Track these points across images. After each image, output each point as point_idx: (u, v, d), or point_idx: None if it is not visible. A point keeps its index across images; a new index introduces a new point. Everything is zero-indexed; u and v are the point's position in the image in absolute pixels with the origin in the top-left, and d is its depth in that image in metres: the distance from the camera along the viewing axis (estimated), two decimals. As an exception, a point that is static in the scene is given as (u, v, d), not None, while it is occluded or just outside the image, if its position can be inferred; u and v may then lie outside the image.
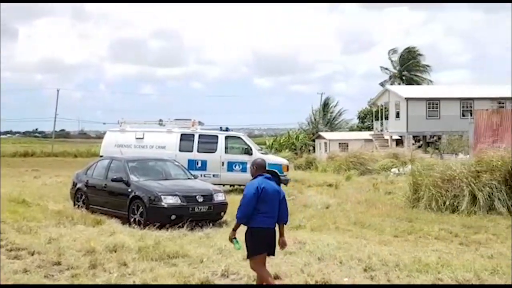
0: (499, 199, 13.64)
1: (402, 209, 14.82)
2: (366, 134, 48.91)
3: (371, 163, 29.80)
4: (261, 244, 6.71)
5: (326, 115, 62.79)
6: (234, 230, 6.77)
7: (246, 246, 6.75)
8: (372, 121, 52.53)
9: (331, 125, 61.67)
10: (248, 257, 6.84)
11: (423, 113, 42.59)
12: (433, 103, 42.87)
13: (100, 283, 7.71)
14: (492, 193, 13.74)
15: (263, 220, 6.71)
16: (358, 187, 21.02)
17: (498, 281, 7.77)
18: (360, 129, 58.25)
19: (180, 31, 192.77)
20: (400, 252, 9.51)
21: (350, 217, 13.28)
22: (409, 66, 61.31)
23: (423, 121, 42.38)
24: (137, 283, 7.71)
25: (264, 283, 6.86)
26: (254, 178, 6.89)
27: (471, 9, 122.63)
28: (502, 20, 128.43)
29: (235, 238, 6.76)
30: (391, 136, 45.24)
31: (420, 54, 62.03)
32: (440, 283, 7.72)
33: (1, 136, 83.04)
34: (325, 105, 63.56)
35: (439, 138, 41.80)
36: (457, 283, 7.68)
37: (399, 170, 26.63)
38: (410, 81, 60.14)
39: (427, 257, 9.00)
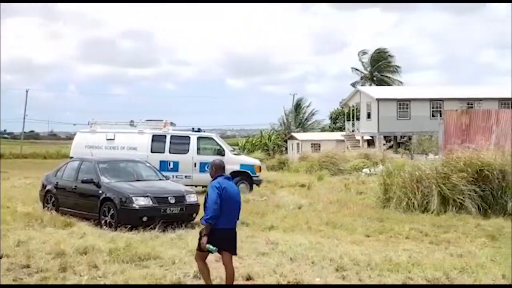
0: (468, 198, 13.85)
1: (373, 209, 14.95)
2: (338, 135, 49.27)
3: (343, 163, 30.02)
4: (221, 243, 6.79)
5: (299, 116, 63.09)
6: (206, 235, 6.70)
7: (200, 240, 6.77)
8: (344, 122, 52.93)
9: (303, 125, 61.99)
10: (198, 249, 6.89)
11: (393, 114, 43.08)
12: (403, 104, 43.39)
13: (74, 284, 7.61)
14: (461, 193, 13.94)
15: (226, 220, 6.82)
16: (330, 187, 21.14)
17: (467, 279, 7.89)
18: (332, 129, 58.63)
19: (152, 31, 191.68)
20: (371, 251, 9.60)
21: (322, 217, 13.34)
22: (379, 67, 61.90)
23: (394, 122, 42.87)
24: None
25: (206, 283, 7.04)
26: (214, 179, 6.95)
27: (441, 11, 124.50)
28: (471, 21, 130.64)
29: (208, 242, 6.71)
30: (362, 137, 45.65)
31: (390, 55, 62.67)
32: (411, 282, 7.81)
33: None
34: (297, 105, 63.88)
35: (410, 139, 42.29)
36: (427, 282, 7.78)
37: (370, 171, 26.89)
38: (381, 82, 60.73)
39: (398, 257, 9.10)
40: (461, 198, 13.87)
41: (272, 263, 8.77)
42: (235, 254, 7.09)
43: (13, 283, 7.76)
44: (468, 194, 13.89)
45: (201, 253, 6.94)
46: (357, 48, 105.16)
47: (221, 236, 6.77)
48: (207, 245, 6.70)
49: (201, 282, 7.76)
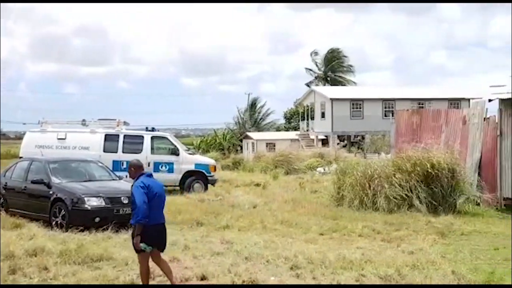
0: (418, 197, 14.14)
1: (327, 207, 15.11)
2: (292, 134, 49.56)
3: (298, 162, 30.23)
4: (153, 239, 6.90)
5: (254, 115, 63.19)
6: (139, 234, 6.78)
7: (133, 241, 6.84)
8: (298, 121, 53.30)
9: (259, 125, 62.10)
10: (137, 252, 6.97)
11: (347, 114, 43.67)
12: (357, 104, 44.03)
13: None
14: (411, 191, 14.23)
15: (157, 216, 6.98)
16: (285, 186, 21.26)
17: (418, 275, 8.04)
18: (287, 129, 58.95)
19: (105, 29, 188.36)
20: (325, 249, 9.69)
21: (277, 216, 13.40)
22: (333, 67, 62.55)
23: (348, 121, 43.45)
24: None
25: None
26: (136, 179, 7.07)
27: (395, 12, 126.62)
28: (424, 22, 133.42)
29: (142, 242, 6.79)
30: (317, 136, 46.08)
31: (344, 56, 63.40)
32: (364, 279, 7.92)
33: None
34: (252, 105, 63.94)
35: (363, 138, 42.95)
36: (379, 279, 7.90)
37: (324, 169, 27.19)
38: (334, 82, 61.38)
39: (351, 254, 9.21)
40: (412, 196, 14.15)
41: (227, 262, 8.75)
42: (163, 250, 7.23)
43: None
44: (419, 192, 14.19)
45: (144, 255, 6.99)
46: (313, 48, 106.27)
47: (153, 232, 6.91)
48: (141, 244, 6.80)
49: (154, 283, 7.69)
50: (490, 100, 16.05)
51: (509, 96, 15.07)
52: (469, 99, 36.28)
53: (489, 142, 15.95)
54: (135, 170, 7.14)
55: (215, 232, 11.62)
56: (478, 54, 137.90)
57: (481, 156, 16.08)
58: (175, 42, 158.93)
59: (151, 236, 6.87)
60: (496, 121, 15.75)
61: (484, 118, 16.20)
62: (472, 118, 16.46)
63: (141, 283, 7.29)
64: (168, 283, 7.36)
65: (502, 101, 15.42)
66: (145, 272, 7.13)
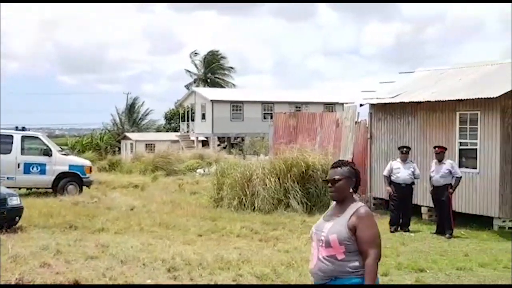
0: (294, 197, 14.56)
1: (206, 208, 15.13)
2: (172, 135, 49.21)
3: (177, 163, 29.98)
4: None
5: (133, 116, 61.96)
6: None
7: None
8: (179, 122, 53.00)
9: (138, 125, 61.01)
10: None
11: (227, 115, 44.08)
12: (237, 106, 44.58)
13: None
14: (288, 191, 14.62)
15: None
16: (164, 188, 21.03)
17: (293, 273, 8.25)
18: (167, 130, 58.42)
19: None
20: (203, 251, 9.68)
21: (155, 218, 13.20)
22: (212, 68, 62.88)
23: (228, 123, 43.87)
24: None
25: None
26: None
27: (276, 17, 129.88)
28: (302, 28, 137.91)
29: None
30: (197, 137, 46.08)
31: (223, 57, 63.93)
32: (241, 279, 7.99)
33: None
34: (132, 105, 62.70)
35: (243, 140, 43.56)
36: (256, 278, 8.01)
37: (204, 171, 27.19)
38: (214, 84, 61.73)
39: (229, 255, 9.27)
40: (289, 196, 14.54)
41: (101, 266, 8.46)
42: None
43: None
44: (294, 192, 14.61)
45: None
46: (194, 49, 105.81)
47: None
48: None
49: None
50: (361, 105, 16.90)
51: (378, 101, 15.95)
52: (342, 104, 37.93)
53: (360, 144, 16.78)
54: None
55: (89, 235, 11.21)
56: (352, 60, 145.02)
57: (353, 158, 16.85)
58: (51, 38, 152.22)
59: None
60: (367, 124, 16.61)
61: (356, 122, 17.02)
62: (344, 121, 17.22)
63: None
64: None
65: (372, 105, 16.29)
66: None
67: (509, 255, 10.09)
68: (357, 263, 3.93)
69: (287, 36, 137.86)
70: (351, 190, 4.13)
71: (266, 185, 14.68)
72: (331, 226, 4.01)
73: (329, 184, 4.17)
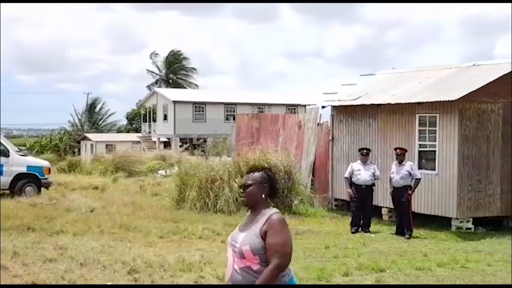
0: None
1: (168, 210, 15.00)
2: (134, 136, 48.71)
3: (139, 165, 29.67)
4: None
5: (93, 116, 61.08)
6: None
7: None
8: (140, 123, 52.50)
9: (98, 126, 60.18)
10: None
11: (190, 116, 43.87)
12: (199, 107, 44.41)
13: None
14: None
15: None
16: (124, 189, 20.77)
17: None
18: (128, 130, 57.80)
19: None
20: (165, 252, 9.60)
21: (116, 220, 13.01)
22: (175, 69, 62.49)
23: (190, 124, 43.66)
24: None
25: None
26: None
27: (238, 18, 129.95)
28: (265, 30, 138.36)
29: None
30: (159, 138, 45.72)
31: (185, 58, 63.57)
32: (203, 280, 7.96)
33: None
34: (92, 105, 61.81)
35: (205, 141, 43.39)
36: (218, 280, 7.98)
37: (166, 172, 26.99)
38: (176, 85, 61.33)
39: (190, 256, 9.21)
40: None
41: (60, 269, 8.30)
42: None
43: None
44: (257, 193, 14.59)
45: None
46: (158, 49, 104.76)
47: None
48: None
49: None
50: (323, 107, 17.05)
51: (340, 103, 16.11)
52: (305, 105, 38.21)
53: (322, 146, 16.91)
54: None
55: (48, 237, 10.97)
56: (314, 63, 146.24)
57: (315, 159, 16.99)
58: (8, 35, 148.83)
59: None
60: (329, 126, 16.76)
61: (318, 124, 17.15)
62: (307, 123, 17.34)
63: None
64: None
65: (334, 107, 16.44)
66: None
67: (466, 255, 10.32)
68: None
69: (250, 38, 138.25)
70: (262, 196, 3.98)
71: (230, 186, 14.65)
72: (244, 236, 3.88)
73: (241, 190, 4.06)
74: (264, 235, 3.82)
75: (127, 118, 61.40)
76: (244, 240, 3.86)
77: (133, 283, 7.84)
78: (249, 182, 4.02)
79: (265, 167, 4.21)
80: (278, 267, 3.78)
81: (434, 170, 13.45)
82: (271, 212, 3.92)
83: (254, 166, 4.20)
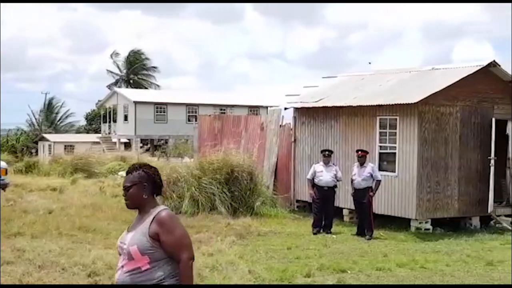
0: (220, 199, 14.51)
1: (128, 212, 14.69)
2: (93, 137, 47.99)
3: (98, 166, 29.25)
4: None
5: (51, 116, 59.94)
6: None
7: None
8: (100, 124, 51.76)
9: (56, 126, 59.08)
10: None
11: (151, 117, 43.47)
12: (161, 108, 44.05)
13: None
14: (212, 194, 14.56)
15: None
16: (84, 190, 20.42)
17: (217, 276, 8.21)
18: (87, 131, 56.92)
19: None
20: (125, 254, 9.45)
21: (75, 222, 12.78)
22: (135, 69, 61.81)
23: (151, 125, 43.26)
24: None
25: None
26: None
27: (201, 19, 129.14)
28: (228, 30, 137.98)
29: None
30: (119, 139, 45.16)
31: (147, 58, 62.94)
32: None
33: None
34: (50, 105, 60.64)
35: (166, 142, 43.06)
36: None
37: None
38: (137, 85, 60.67)
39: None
40: (214, 199, 14.48)
41: (17, 272, 8.09)
42: None
43: None
44: (219, 195, 14.56)
45: None
46: (119, 49, 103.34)
47: None
48: None
49: None
50: (286, 108, 17.11)
51: (302, 105, 16.20)
52: (267, 107, 38.33)
53: (284, 148, 16.97)
54: None
55: (5, 240, 10.68)
56: (277, 64, 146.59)
57: (277, 161, 17.04)
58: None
59: None
60: (291, 128, 16.83)
61: (280, 125, 17.21)
62: (269, 124, 17.38)
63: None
64: None
65: (296, 109, 16.53)
66: None
67: (425, 255, 10.50)
68: (161, 272, 3.74)
69: (213, 38, 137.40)
70: (145, 195, 3.89)
71: (191, 188, 14.56)
72: (131, 237, 3.80)
73: (123, 192, 3.96)
74: (154, 235, 3.73)
75: (86, 119, 60.47)
76: (131, 240, 3.78)
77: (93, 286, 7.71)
78: (128, 184, 3.92)
79: (144, 164, 4.03)
80: (189, 258, 3.75)
81: (394, 172, 13.65)
82: (158, 210, 3.82)
83: (132, 166, 4.04)
